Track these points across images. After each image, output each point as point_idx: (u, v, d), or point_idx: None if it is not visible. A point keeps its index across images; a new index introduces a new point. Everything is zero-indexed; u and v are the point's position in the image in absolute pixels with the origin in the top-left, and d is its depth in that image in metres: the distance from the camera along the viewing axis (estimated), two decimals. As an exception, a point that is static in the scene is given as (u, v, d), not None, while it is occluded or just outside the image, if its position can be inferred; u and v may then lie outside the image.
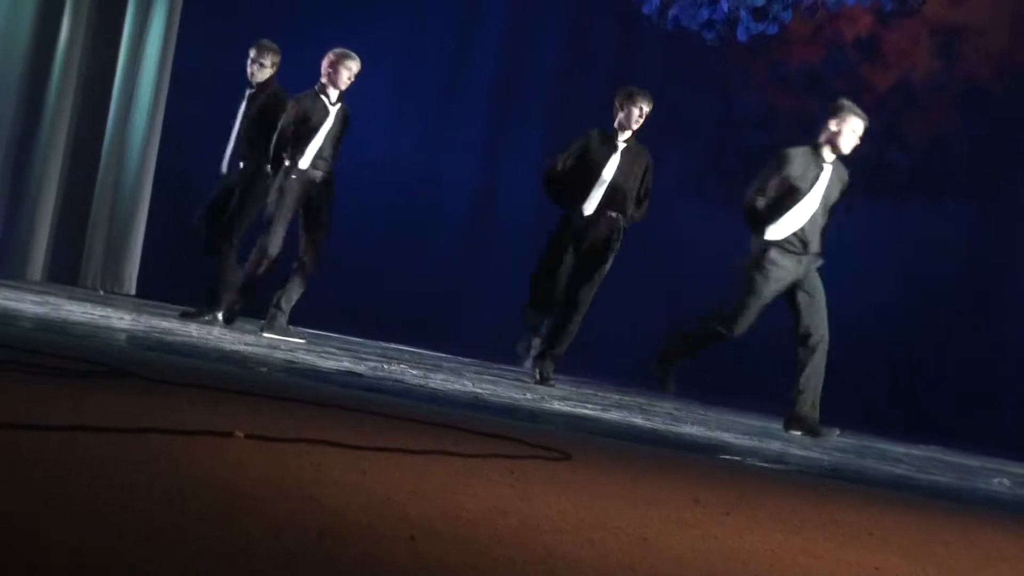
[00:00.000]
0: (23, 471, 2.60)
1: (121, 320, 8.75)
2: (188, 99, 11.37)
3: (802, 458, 6.95)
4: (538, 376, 9.50)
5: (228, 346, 7.89)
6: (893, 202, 9.42)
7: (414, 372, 8.36)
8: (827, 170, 8.74)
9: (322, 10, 13.51)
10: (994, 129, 9.15)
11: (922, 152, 9.39)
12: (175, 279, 12.11)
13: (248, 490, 2.81)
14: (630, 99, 9.57)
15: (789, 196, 8.77)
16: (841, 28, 12.79)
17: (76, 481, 2.57)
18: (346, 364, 8.18)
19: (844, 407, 9.58)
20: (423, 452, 3.83)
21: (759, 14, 12.88)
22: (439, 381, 7.99)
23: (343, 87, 9.82)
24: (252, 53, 10.12)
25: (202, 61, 11.70)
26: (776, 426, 9.06)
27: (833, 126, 8.71)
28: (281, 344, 8.96)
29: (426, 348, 12.04)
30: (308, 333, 10.85)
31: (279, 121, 9.73)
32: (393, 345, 11.00)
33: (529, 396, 8.08)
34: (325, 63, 9.86)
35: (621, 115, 9.57)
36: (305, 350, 8.81)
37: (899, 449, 9.42)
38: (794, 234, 8.81)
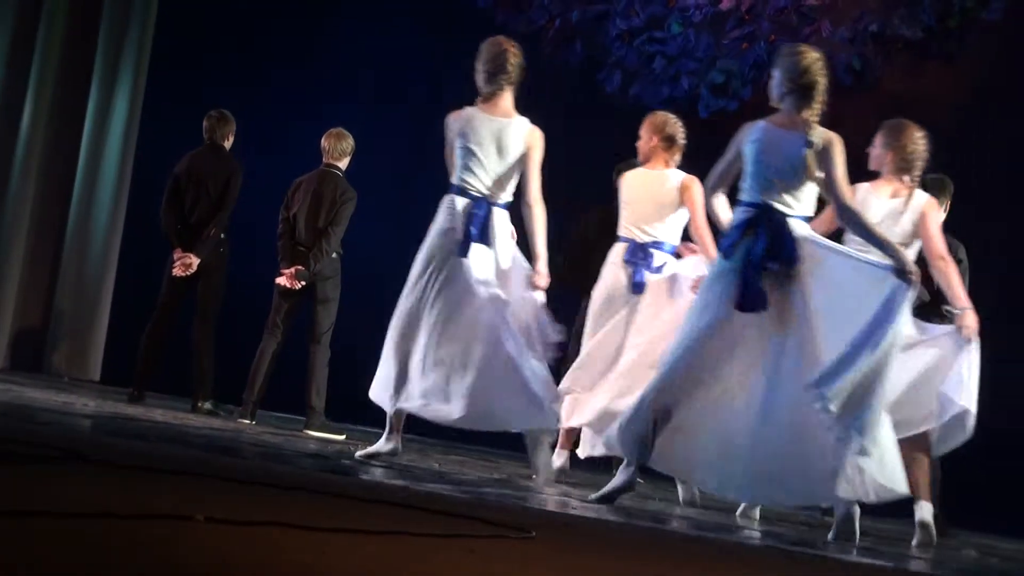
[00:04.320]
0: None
1: (85, 406, 8.71)
2: (152, 184, 11.37)
3: (766, 532, 6.93)
4: None
5: (193, 430, 7.86)
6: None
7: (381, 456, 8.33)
8: None
9: (285, 89, 13.54)
10: (953, 204, 9.23)
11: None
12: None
13: (203, 572, 2.79)
14: None
15: None
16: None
17: (30, 567, 2.55)
18: (312, 446, 8.16)
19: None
20: (383, 532, 3.81)
21: (719, 91, 12.97)
22: (405, 461, 7.97)
23: None
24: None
25: (166, 146, 11.71)
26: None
27: None
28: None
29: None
30: (276, 418, 10.84)
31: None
32: (361, 427, 10.96)
33: (495, 475, 8.06)
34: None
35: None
36: (272, 433, 8.79)
37: (866, 523, 9.39)
38: None
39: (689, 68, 13.06)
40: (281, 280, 9.98)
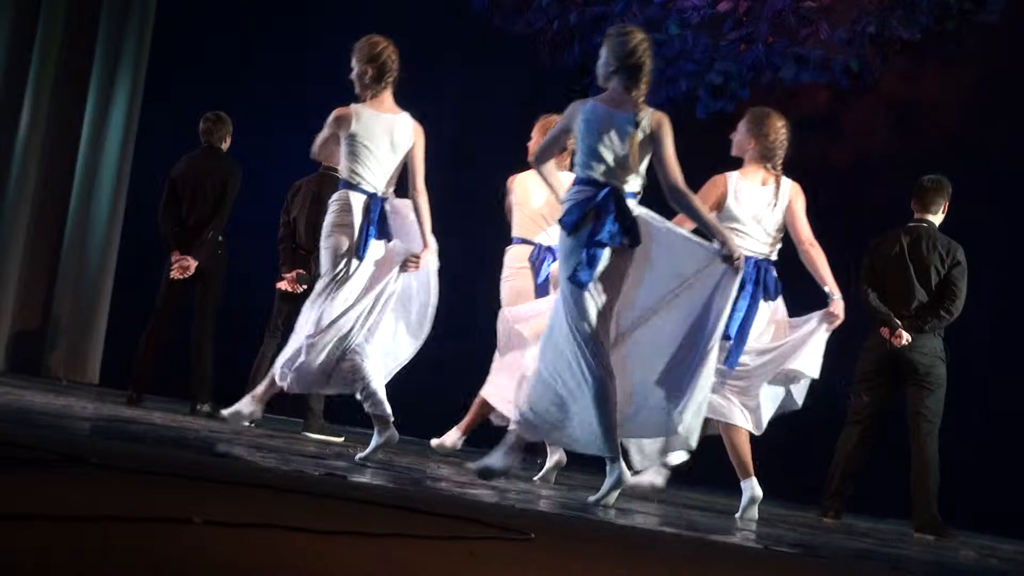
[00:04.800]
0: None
1: (83, 409, 8.71)
2: (150, 186, 11.37)
3: (767, 535, 6.94)
4: None
5: (192, 433, 7.86)
6: (858, 280, 9.45)
7: (379, 456, 8.34)
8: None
9: (284, 91, 13.54)
10: (952, 205, 9.25)
11: (882, 228, 9.45)
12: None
13: (201, 575, 2.79)
14: None
15: None
16: (799, 105, 12.88)
17: (28, 571, 2.55)
18: (311, 448, 8.15)
19: (816, 483, 9.58)
20: (381, 535, 3.80)
21: (717, 92, 12.99)
22: (403, 464, 7.97)
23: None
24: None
25: (164, 148, 11.71)
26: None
27: None
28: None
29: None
30: (275, 420, 10.84)
31: None
32: (359, 430, 10.96)
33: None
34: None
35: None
36: (271, 435, 8.78)
37: (865, 524, 9.41)
38: None
39: (687, 70, 13.08)
40: (282, 284, 9.99)
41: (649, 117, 6.96)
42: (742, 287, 7.76)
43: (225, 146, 10.49)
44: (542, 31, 13.47)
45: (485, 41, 13.69)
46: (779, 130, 8.15)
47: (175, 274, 10.12)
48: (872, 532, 8.69)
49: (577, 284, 6.80)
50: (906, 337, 9.01)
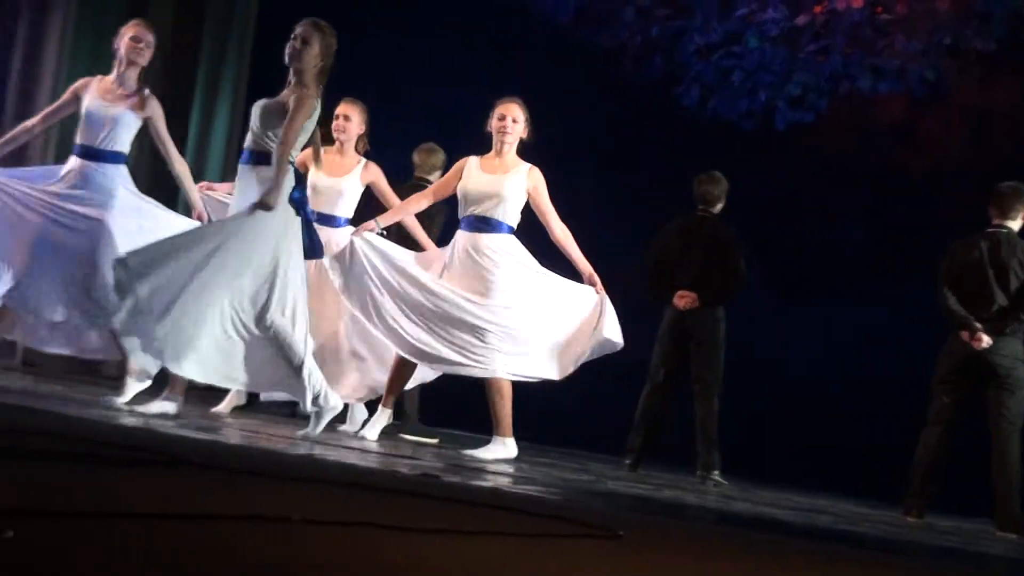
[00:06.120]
0: (87, 559, 2.63)
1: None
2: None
3: (850, 532, 7.02)
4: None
5: (282, 433, 7.97)
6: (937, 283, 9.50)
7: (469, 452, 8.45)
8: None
9: (385, 87, 13.69)
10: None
11: (958, 234, 9.49)
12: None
13: (298, 571, 2.85)
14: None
15: None
16: (876, 114, 12.90)
17: (140, 568, 2.62)
18: (404, 449, 8.29)
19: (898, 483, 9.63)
20: (473, 533, 3.90)
21: (796, 103, 13.05)
22: (492, 463, 8.07)
23: None
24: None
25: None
26: (823, 502, 9.16)
27: None
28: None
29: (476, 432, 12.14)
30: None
31: None
32: (445, 429, 11.03)
33: (584, 477, 8.19)
34: None
35: None
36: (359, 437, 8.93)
37: (948, 523, 9.44)
38: None
39: (766, 81, 13.14)
40: None
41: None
42: None
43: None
44: (625, 45, 13.58)
45: (570, 52, 13.80)
46: None
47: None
48: (955, 531, 8.73)
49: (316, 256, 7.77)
50: (986, 340, 9.04)
